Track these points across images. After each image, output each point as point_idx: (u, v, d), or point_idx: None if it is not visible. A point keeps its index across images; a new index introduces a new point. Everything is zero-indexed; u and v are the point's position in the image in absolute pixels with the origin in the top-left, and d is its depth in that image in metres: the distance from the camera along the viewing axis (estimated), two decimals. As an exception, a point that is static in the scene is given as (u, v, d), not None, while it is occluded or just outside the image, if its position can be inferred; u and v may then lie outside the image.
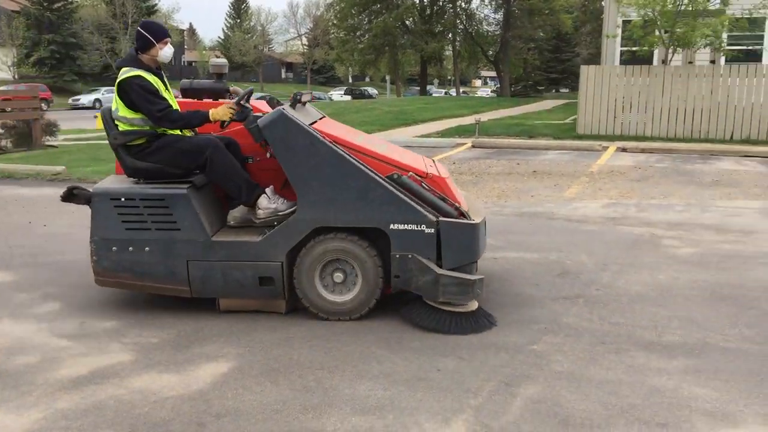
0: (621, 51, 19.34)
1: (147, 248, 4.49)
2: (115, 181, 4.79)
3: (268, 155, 4.63)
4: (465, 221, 4.38)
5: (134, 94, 4.54)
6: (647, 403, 3.38)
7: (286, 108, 4.53)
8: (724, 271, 5.63)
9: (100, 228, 4.54)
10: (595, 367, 3.80)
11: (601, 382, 3.61)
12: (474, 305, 4.38)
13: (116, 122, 4.69)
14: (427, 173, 4.58)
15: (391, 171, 4.47)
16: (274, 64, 78.99)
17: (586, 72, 16.33)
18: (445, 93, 61.56)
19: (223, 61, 5.58)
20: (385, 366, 3.81)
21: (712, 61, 17.75)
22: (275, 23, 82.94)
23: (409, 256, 4.32)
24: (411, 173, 4.49)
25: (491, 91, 66.87)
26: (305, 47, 77.31)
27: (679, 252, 6.28)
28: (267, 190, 4.66)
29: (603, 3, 23.72)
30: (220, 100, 5.17)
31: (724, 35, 16.23)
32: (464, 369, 3.78)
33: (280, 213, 4.57)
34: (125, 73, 4.59)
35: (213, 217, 4.64)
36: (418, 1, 45.50)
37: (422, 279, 4.31)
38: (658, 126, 15.68)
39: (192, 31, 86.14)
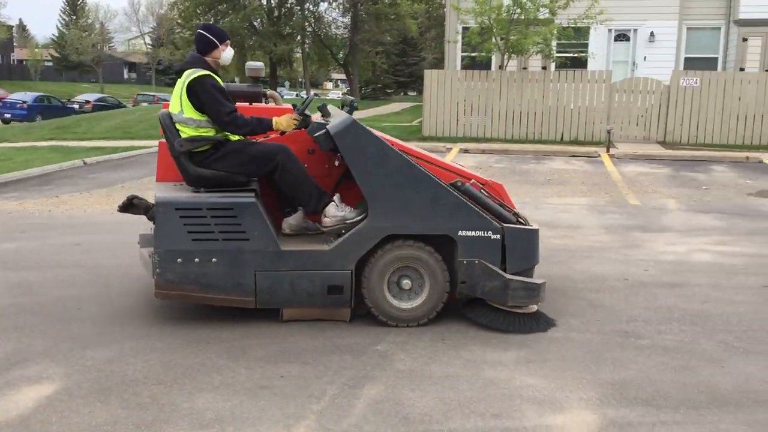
0: (462, 56, 20.19)
1: (214, 259, 4.30)
2: (173, 190, 4.49)
3: (336, 163, 4.60)
4: (527, 227, 4.54)
5: (206, 94, 4.33)
6: (482, 395, 3.52)
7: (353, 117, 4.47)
8: (554, 265, 6.00)
9: (165, 239, 4.27)
10: (435, 364, 3.91)
11: (441, 378, 3.72)
12: (534, 307, 4.50)
13: (179, 126, 4.41)
14: (487, 180, 4.68)
15: (452, 178, 4.53)
16: (116, 63, 75.05)
17: (430, 76, 16.90)
18: (297, 95, 61.35)
19: (260, 64, 5.41)
20: (226, 376, 3.71)
21: (544, 68, 18.95)
22: (115, 21, 78.70)
23: (476, 262, 4.40)
24: (473, 180, 4.56)
25: (342, 94, 67.47)
26: (149, 47, 74.09)
27: (515, 248, 6.61)
28: (335, 197, 4.55)
29: (445, 10, 24.61)
30: (254, 105, 5.18)
31: (554, 43, 17.39)
32: (308, 374, 3.75)
33: (348, 221, 4.46)
34: (195, 72, 4.35)
35: (275, 225, 4.47)
36: (265, 3, 44.95)
37: (489, 284, 4.40)
38: (497, 128, 16.52)
39: (22, 27, 79.98)
